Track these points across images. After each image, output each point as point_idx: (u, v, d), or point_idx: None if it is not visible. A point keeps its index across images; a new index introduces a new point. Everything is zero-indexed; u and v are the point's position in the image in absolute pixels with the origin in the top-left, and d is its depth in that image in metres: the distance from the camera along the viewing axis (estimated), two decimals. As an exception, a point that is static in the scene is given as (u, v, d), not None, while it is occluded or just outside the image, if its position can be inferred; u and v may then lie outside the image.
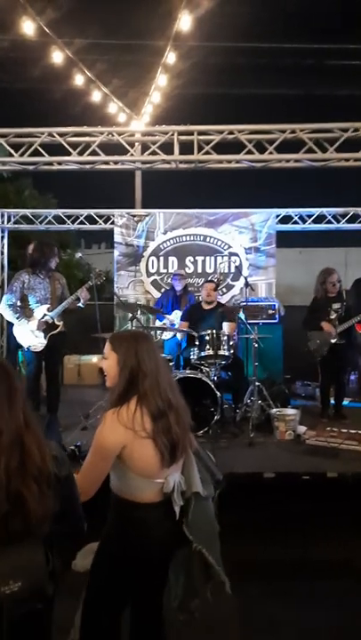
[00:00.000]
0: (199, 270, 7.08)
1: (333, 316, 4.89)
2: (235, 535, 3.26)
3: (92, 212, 7.21)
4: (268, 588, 2.90)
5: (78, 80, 6.43)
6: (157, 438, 1.71)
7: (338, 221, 7.10)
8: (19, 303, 4.25)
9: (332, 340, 4.83)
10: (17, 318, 4.21)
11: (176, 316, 5.59)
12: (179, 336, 5.36)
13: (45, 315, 4.25)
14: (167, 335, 5.60)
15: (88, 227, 7.34)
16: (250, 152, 4.85)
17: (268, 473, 3.34)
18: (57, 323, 4.30)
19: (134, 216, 7.18)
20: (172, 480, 1.76)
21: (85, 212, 7.20)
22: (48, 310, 4.27)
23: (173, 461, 1.75)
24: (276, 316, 6.31)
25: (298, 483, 3.37)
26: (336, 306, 4.94)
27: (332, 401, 5.08)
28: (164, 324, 5.61)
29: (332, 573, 3.07)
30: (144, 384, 1.75)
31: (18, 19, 5.70)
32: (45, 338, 4.24)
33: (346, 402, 5.68)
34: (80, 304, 4.35)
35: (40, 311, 4.26)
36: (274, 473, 3.35)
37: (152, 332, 5.53)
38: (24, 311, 4.26)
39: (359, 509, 3.47)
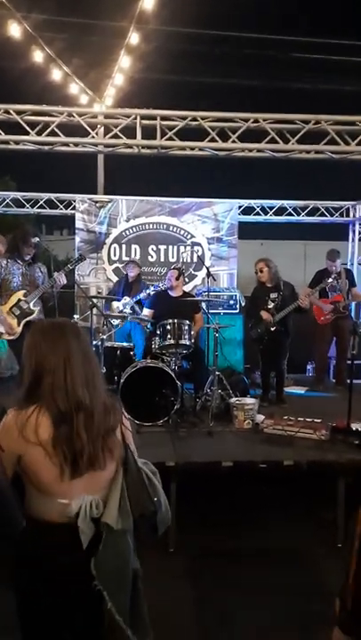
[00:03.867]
0: (162, 259, 7.02)
1: (271, 305, 5.07)
2: (192, 524, 3.29)
3: (52, 196, 6.99)
4: (224, 576, 2.93)
5: (37, 57, 6.14)
6: (56, 446, 1.44)
7: (298, 214, 7.22)
8: None
9: (272, 329, 5.00)
10: None
11: (124, 302, 5.52)
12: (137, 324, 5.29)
13: (20, 300, 4.15)
14: (115, 322, 5.49)
15: (48, 211, 7.12)
16: (213, 140, 4.82)
17: (227, 462, 3.36)
18: (32, 308, 4.21)
19: (96, 202, 7.00)
20: (77, 503, 1.48)
21: (46, 195, 6.97)
22: (24, 296, 4.18)
23: (76, 474, 1.47)
24: (237, 306, 6.37)
25: (255, 471, 3.41)
26: (273, 295, 5.12)
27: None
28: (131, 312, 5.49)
29: (288, 560, 3.13)
30: (44, 383, 1.50)
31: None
32: (20, 325, 4.14)
33: (302, 391, 5.84)
34: (53, 289, 4.26)
35: (15, 297, 4.17)
36: (232, 462, 3.36)
37: (115, 321, 5.43)
38: (1, 298, 4.17)
39: (313, 496, 3.57)
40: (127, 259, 6.73)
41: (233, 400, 4.43)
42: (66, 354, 1.52)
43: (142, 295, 5.45)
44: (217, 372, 4.60)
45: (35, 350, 1.53)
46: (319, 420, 3.91)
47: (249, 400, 4.44)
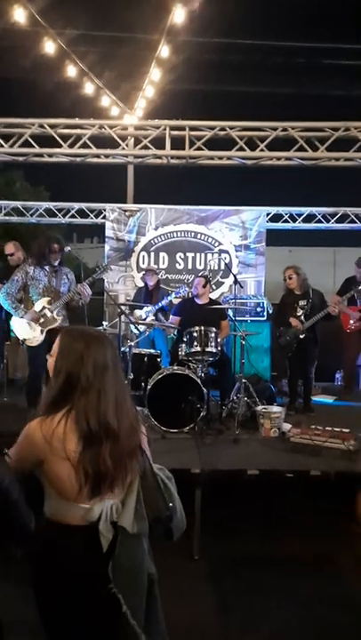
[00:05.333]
0: (189, 267, 7.08)
1: (300, 312, 5.03)
2: (217, 531, 3.30)
3: (83, 205, 7.16)
4: (247, 583, 2.93)
5: (70, 71, 6.35)
6: (80, 465, 1.45)
7: (327, 221, 7.15)
8: (19, 294, 4.14)
9: (301, 336, 4.96)
10: (13, 308, 4.12)
11: (146, 310, 5.59)
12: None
13: (44, 307, 4.15)
14: (141, 329, 5.57)
15: (79, 220, 7.29)
16: (241, 149, 4.86)
17: (252, 470, 3.35)
18: (56, 317, 4.16)
19: (126, 211, 7.14)
20: (98, 508, 1.50)
21: (77, 205, 7.15)
22: (48, 303, 4.16)
23: (96, 495, 1.49)
24: (264, 313, 6.35)
25: (281, 480, 3.39)
26: (302, 302, 5.08)
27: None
28: (154, 318, 5.58)
29: (312, 569, 3.10)
30: (80, 399, 1.48)
31: (9, 6, 5.61)
32: (42, 332, 4.12)
33: (330, 400, 5.76)
34: (82, 301, 4.22)
35: (40, 304, 4.16)
36: (258, 470, 3.36)
37: (142, 328, 5.53)
38: (25, 303, 4.16)
39: (341, 507, 3.52)
40: (155, 266, 6.83)
41: (259, 408, 4.41)
42: (104, 372, 1.51)
43: (164, 302, 5.52)
44: (243, 380, 4.60)
45: (76, 360, 1.50)
46: (347, 430, 3.86)
47: (276, 408, 4.42)
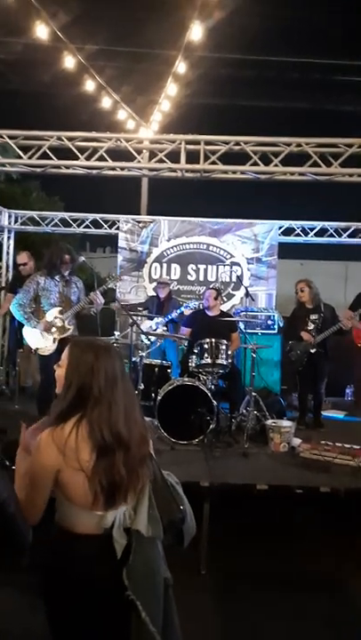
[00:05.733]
0: (201, 278, 7.12)
1: (311, 326, 5.01)
2: (224, 546, 3.28)
3: (97, 216, 7.26)
4: (255, 599, 2.90)
5: (88, 86, 6.49)
6: (95, 476, 1.46)
7: (339, 235, 7.16)
8: (32, 304, 4.22)
9: (312, 350, 4.93)
10: (25, 319, 4.18)
11: (156, 321, 5.63)
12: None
13: (56, 317, 4.21)
14: (152, 339, 5.60)
15: (93, 231, 7.39)
16: (255, 163, 4.90)
17: (261, 485, 3.34)
18: (67, 326, 4.23)
19: (139, 222, 7.23)
20: (112, 515, 1.51)
21: (91, 216, 7.26)
22: (60, 313, 4.22)
23: (111, 505, 1.49)
24: (275, 326, 6.34)
25: (290, 496, 3.37)
26: (314, 316, 5.06)
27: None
28: (165, 329, 5.61)
29: (322, 589, 3.06)
30: (92, 410, 1.49)
31: (31, 22, 5.76)
32: (55, 342, 4.18)
33: (340, 415, 5.71)
34: (94, 309, 4.29)
35: (51, 314, 4.22)
36: (267, 485, 3.34)
37: (153, 338, 5.55)
38: (37, 313, 4.22)
39: (350, 525, 3.48)
40: (167, 277, 6.88)
41: (269, 422, 4.40)
42: (114, 382, 1.53)
43: (174, 315, 5.55)
44: (253, 393, 4.60)
45: (87, 371, 1.52)
46: (358, 447, 3.83)
47: (286, 422, 4.40)
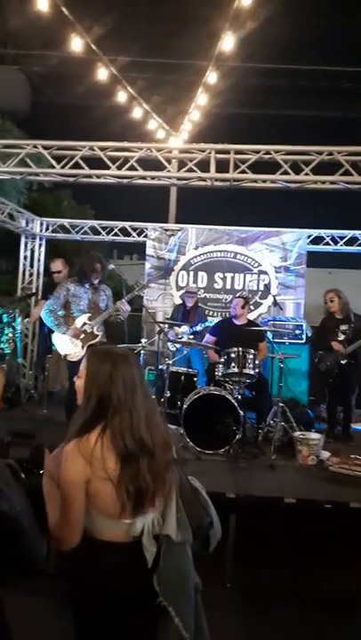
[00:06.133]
0: (228, 287, 7.10)
1: (342, 337, 4.92)
2: (250, 559, 3.23)
3: (126, 224, 7.35)
4: (280, 618, 2.83)
5: (120, 97, 6.62)
6: (121, 484, 1.45)
7: (370, 244, 7.01)
8: (61, 311, 4.30)
9: (342, 361, 4.84)
10: (55, 325, 4.26)
11: (182, 330, 5.63)
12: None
13: (85, 324, 4.28)
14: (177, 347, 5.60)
15: (122, 238, 7.47)
16: (286, 172, 4.85)
17: (289, 498, 3.27)
18: (96, 332, 4.29)
19: (167, 230, 7.28)
20: (140, 522, 1.51)
21: (120, 224, 7.35)
22: (89, 320, 4.29)
23: (138, 512, 1.49)
24: (303, 336, 6.24)
25: (319, 511, 3.29)
26: (344, 327, 4.96)
27: None
28: (191, 337, 5.61)
29: (350, 609, 2.96)
30: (113, 419, 1.50)
31: (66, 36, 5.94)
32: (83, 348, 4.23)
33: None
34: (121, 316, 4.34)
35: (80, 320, 4.29)
36: (295, 499, 3.27)
37: (178, 347, 5.56)
38: (66, 319, 4.30)
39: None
40: (194, 286, 6.89)
41: (297, 434, 4.32)
42: (134, 389, 1.53)
43: (198, 328, 5.55)
44: (280, 404, 4.53)
45: (106, 381, 1.52)
46: (389, 463, 3.71)
47: (314, 435, 4.32)
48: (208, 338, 5.29)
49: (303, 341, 6.20)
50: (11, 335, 5.49)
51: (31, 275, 7.23)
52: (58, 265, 5.91)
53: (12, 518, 1.33)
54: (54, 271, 5.90)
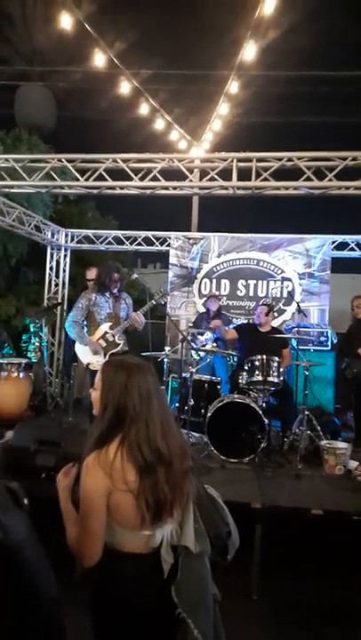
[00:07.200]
0: (251, 294, 7.07)
1: None
2: (277, 571, 3.18)
3: (149, 233, 7.43)
4: (308, 632, 2.77)
5: (143, 109, 6.73)
6: (141, 496, 1.46)
7: None
8: (84, 321, 4.38)
9: None
10: (80, 337, 4.32)
11: (206, 337, 5.62)
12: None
13: (107, 332, 4.35)
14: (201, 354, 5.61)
15: (145, 248, 7.56)
16: (309, 179, 4.82)
17: (316, 509, 3.21)
18: (117, 341, 4.36)
19: (190, 239, 7.32)
20: (160, 533, 1.51)
21: (143, 233, 7.44)
22: (110, 328, 4.36)
23: (157, 523, 1.50)
24: (328, 343, 6.15)
25: (347, 522, 3.21)
26: None
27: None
28: (214, 345, 5.60)
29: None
30: (130, 430, 1.50)
31: (90, 51, 6.09)
32: (105, 356, 4.28)
33: None
34: (137, 326, 4.39)
35: (102, 328, 4.36)
36: (322, 510, 3.21)
37: (201, 354, 5.56)
38: (90, 329, 4.38)
39: None
40: (217, 292, 6.90)
41: (323, 443, 4.25)
42: (149, 399, 1.54)
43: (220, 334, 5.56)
44: (306, 412, 4.47)
45: (121, 391, 1.52)
46: None
47: (341, 444, 4.23)
48: (228, 327, 5.30)
49: (328, 348, 6.11)
50: (37, 344, 5.61)
51: (57, 285, 7.38)
52: (93, 273, 6.01)
53: (6, 548, 1.20)
54: (90, 279, 6.01)
